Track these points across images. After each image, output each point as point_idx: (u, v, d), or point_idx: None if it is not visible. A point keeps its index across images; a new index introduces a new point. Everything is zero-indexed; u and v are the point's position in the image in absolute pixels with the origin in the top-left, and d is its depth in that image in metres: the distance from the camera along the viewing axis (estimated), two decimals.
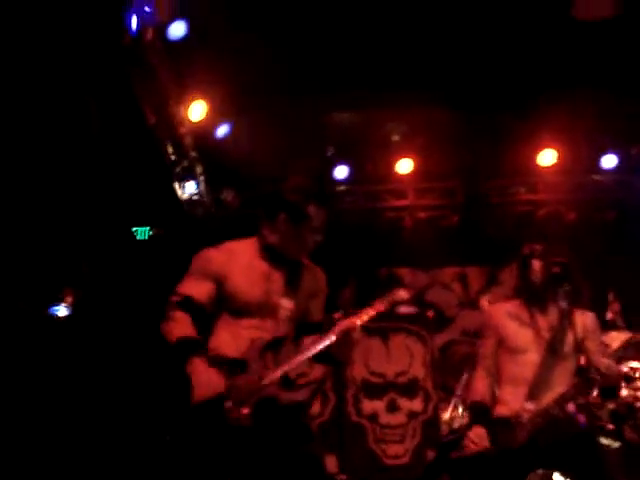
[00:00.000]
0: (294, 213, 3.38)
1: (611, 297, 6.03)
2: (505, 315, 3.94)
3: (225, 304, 3.39)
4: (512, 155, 7.59)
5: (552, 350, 3.77)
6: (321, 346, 3.22)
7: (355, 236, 7.73)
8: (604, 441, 5.18)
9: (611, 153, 7.73)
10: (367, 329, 5.35)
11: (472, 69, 6.56)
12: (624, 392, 5.59)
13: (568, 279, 3.84)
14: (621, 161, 7.73)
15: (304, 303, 3.49)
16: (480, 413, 3.80)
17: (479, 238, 7.53)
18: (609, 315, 5.99)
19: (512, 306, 4.00)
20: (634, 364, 5.68)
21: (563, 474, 3.97)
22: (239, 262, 3.47)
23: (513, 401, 3.77)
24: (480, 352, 4.01)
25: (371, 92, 6.76)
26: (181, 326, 3.26)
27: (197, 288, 3.37)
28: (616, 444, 5.21)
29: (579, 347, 3.82)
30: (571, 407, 3.76)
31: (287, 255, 3.48)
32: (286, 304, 3.42)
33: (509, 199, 7.89)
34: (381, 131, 7.63)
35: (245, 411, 3.01)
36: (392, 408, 4.95)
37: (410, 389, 4.98)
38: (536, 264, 3.89)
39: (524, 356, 3.82)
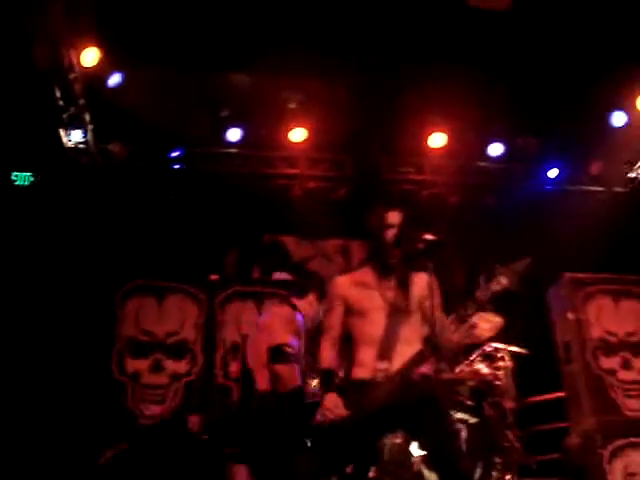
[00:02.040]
0: None
1: (481, 279, 6.24)
2: (349, 284, 4.05)
3: None
4: (404, 135, 7.71)
5: (396, 310, 3.91)
6: None
7: (242, 200, 7.71)
8: (462, 416, 5.41)
9: (498, 142, 7.99)
10: (242, 293, 5.42)
11: (372, 46, 6.62)
12: (485, 370, 5.85)
13: (431, 256, 3.95)
14: (507, 150, 8.00)
15: None
16: (328, 380, 3.90)
17: (364, 212, 7.63)
18: (479, 295, 6.20)
19: (358, 274, 4.10)
20: (497, 344, 5.95)
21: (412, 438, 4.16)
22: None
23: (367, 361, 3.87)
24: (326, 323, 4.12)
25: (271, 57, 6.72)
26: None
27: None
28: (473, 420, 5.44)
29: (421, 306, 3.98)
30: (423, 371, 3.89)
31: None
32: None
33: (397, 177, 8.03)
34: (278, 97, 7.58)
35: None
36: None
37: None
38: (390, 233, 3.97)
39: (371, 317, 3.93)
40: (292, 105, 7.63)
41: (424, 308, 3.98)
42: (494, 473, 5.50)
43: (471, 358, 5.91)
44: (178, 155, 7.68)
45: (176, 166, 7.69)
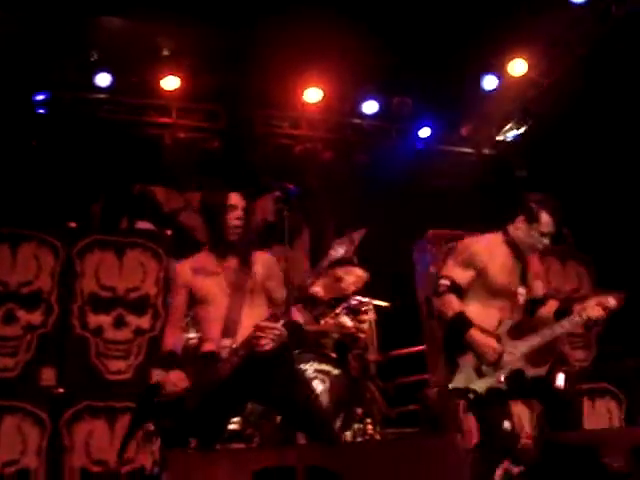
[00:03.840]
0: (529, 216, 4.28)
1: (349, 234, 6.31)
2: (190, 271, 4.00)
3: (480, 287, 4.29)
4: (279, 88, 7.63)
5: (237, 289, 3.91)
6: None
7: (112, 148, 7.44)
8: (325, 367, 5.48)
9: (373, 99, 8.04)
10: (102, 242, 5.25)
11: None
12: (349, 323, 5.94)
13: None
14: (381, 108, 8.06)
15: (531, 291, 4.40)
16: (170, 360, 3.89)
17: (238, 165, 7.54)
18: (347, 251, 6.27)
19: (199, 259, 4.07)
20: (362, 298, 6.04)
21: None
22: (496, 254, 4.33)
23: (213, 336, 3.89)
24: (171, 308, 4.12)
25: (144, 2, 6.49)
26: (455, 305, 4.18)
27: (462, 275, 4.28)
28: (336, 371, 5.51)
29: (264, 286, 3.99)
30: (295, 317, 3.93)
31: (521, 251, 4.35)
32: (522, 291, 4.33)
33: (272, 130, 7.96)
34: (151, 44, 7.34)
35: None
36: (119, 323, 4.88)
37: (139, 305, 4.92)
38: (231, 215, 3.94)
39: (215, 301, 3.93)
40: (165, 52, 7.40)
41: (267, 289, 3.99)
42: (356, 424, 5.62)
43: (336, 311, 5.97)
44: (43, 99, 7.32)
45: (40, 110, 7.33)
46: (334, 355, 5.69)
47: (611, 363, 6.30)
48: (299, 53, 7.17)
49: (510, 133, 8.46)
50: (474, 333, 4.12)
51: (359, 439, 5.53)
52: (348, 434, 5.50)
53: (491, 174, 8.52)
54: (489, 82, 7.85)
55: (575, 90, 7.24)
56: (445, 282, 4.27)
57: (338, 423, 5.39)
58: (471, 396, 4.12)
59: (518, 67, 7.56)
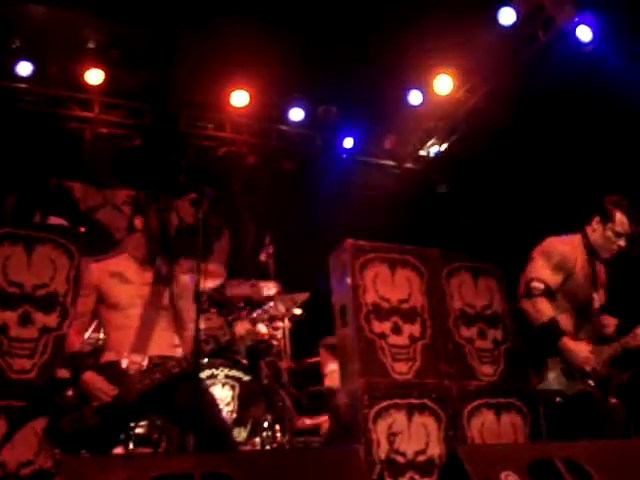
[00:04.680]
0: (604, 216, 4.35)
1: (267, 240, 6.31)
2: (105, 274, 3.93)
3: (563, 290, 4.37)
4: (206, 90, 7.58)
5: (152, 304, 3.87)
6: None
7: (29, 141, 7.23)
8: (236, 374, 5.44)
9: (299, 107, 8.05)
10: (14, 236, 5.07)
11: None
12: (263, 329, 5.90)
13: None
14: (307, 117, 8.08)
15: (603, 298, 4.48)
16: (79, 361, 3.81)
17: (159, 164, 7.44)
18: (262, 257, 6.27)
19: (116, 263, 4.00)
20: (276, 305, 6.00)
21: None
22: (579, 257, 4.41)
23: (119, 347, 3.82)
24: (77, 309, 4.04)
25: None
26: (548, 310, 4.26)
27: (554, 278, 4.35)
28: (247, 378, 5.48)
29: (175, 303, 3.95)
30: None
31: (598, 253, 4.43)
32: (596, 297, 4.41)
33: (196, 131, 7.88)
34: (76, 36, 7.18)
35: None
36: (25, 321, 4.72)
37: (47, 303, 4.78)
38: (151, 218, 3.91)
39: (126, 311, 3.87)
40: (91, 45, 7.26)
41: (178, 309, 3.94)
42: (265, 431, 5.59)
43: (252, 317, 5.93)
44: None
45: None
46: (245, 362, 5.65)
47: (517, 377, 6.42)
48: (228, 55, 7.12)
49: (433, 149, 8.59)
50: (567, 342, 4.21)
51: (267, 447, 5.50)
52: (257, 441, 5.47)
53: (412, 188, 8.63)
54: (414, 97, 7.96)
55: (499, 109, 7.40)
56: (539, 285, 4.32)
57: (247, 430, 5.36)
58: (559, 399, 4.16)
59: (443, 84, 7.69)
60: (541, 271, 4.38)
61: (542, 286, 4.32)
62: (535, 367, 4.36)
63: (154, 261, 3.95)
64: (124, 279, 3.90)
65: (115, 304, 3.87)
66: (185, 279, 3.99)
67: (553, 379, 4.24)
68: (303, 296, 5.61)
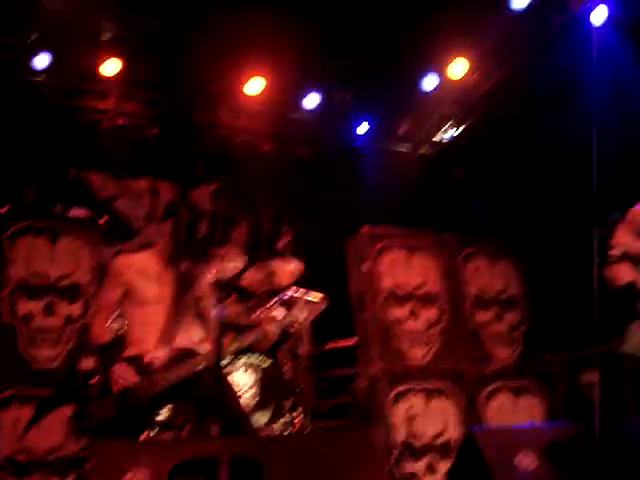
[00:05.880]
0: None
1: (284, 228, 6.37)
2: (132, 270, 3.98)
3: None
4: (221, 78, 7.60)
5: (177, 300, 3.92)
6: None
7: (48, 132, 7.30)
8: (255, 360, 5.51)
9: (315, 92, 8.06)
10: (36, 228, 5.16)
11: None
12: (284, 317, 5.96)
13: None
14: (323, 103, 8.10)
15: None
16: (108, 353, 3.88)
17: (175, 154, 7.50)
18: (280, 244, 6.33)
19: (143, 258, 4.04)
20: (295, 292, 6.07)
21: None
22: None
23: (143, 342, 3.88)
24: (103, 301, 4.09)
25: None
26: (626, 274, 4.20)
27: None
28: (266, 364, 5.56)
29: (197, 305, 4.02)
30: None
31: None
32: None
33: (211, 120, 7.92)
34: (92, 26, 7.23)
35: None
36: (49, 311, 4.82)
37: (71, 293, 4.87)
38: (181, 217, 3.97)
39: (152, 307, 3.92)
40: (107, 36, 7.31)
41: (201, 307, 4.00)
42: (285, 416, 5.67)
43: (269, 305, 6.00)
44: None
45: None
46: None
47: (534, 359, 6.45)
48: (243, 43, 7.16)
49: (447, 134, 8.59)
50: None
51: (288, 431, 5.58)
52: (277, 426, 5.55)
53: (427, 174, 8.65)
54: (429, 82, 7.95)
55: (515, 94, 7.40)
56: (616, 252, 4.31)
57: (268, 415, 5.44)
58: None
59: (458, 68, 7.68)
60: (620, 237, 4.39)
61: (618, 253, 4.32)
62: (616, 332, 4.35)
63: (180, 258, 3.99)
64: (151, 276, 3.95)
65: (141, 300, 3.93)
66: (209, 275, 4.05)
67: (634, 344, 4.22)
68: (322, 305, 5.54)
